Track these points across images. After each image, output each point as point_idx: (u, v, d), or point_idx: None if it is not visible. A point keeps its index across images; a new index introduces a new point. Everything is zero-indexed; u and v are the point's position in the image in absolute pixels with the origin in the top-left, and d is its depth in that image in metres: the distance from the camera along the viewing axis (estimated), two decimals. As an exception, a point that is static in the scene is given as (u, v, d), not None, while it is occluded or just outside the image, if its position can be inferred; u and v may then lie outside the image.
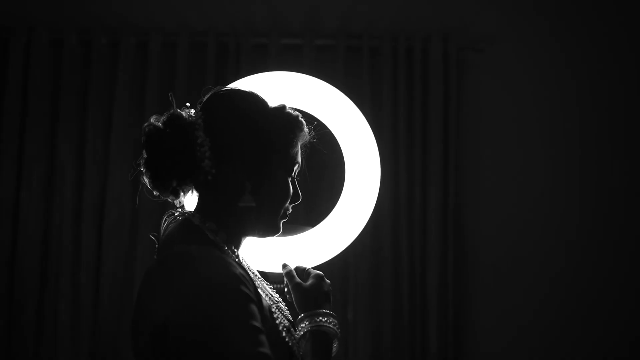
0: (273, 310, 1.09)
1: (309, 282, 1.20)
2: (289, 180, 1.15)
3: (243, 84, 1.53)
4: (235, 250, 1.13)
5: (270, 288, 1.20)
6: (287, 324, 1.11)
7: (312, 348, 1.09)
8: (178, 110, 1.09)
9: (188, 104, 1.11)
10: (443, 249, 2.48)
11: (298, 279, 1.21)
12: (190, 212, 1.11)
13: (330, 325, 1.13)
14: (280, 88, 1.55)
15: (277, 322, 1.07)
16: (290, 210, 1.17)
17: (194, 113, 1.09)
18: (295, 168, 1.16)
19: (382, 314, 2.46)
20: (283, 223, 1.17)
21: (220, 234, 1.09)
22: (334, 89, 1.58)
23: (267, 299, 1.11)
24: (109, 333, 2.42)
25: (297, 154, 1.15)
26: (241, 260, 1.14)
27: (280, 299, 1.19)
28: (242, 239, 1.15)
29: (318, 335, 1.11)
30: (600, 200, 2.61)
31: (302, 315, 1.15)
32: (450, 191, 2.49)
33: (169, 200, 1.11)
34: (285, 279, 1.23)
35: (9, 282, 2.44)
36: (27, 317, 2.42)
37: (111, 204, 2.46)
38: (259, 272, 1.26)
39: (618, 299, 2.57)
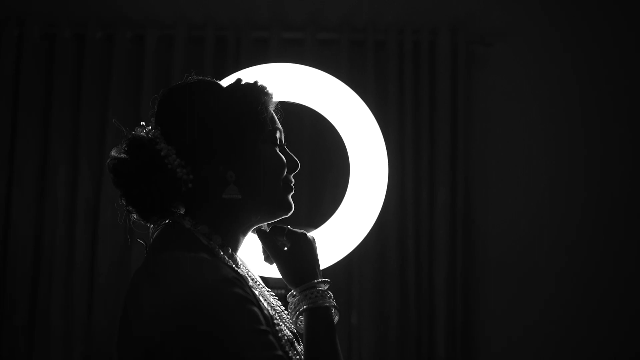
0: (276, 321, 1.01)
1: (293, 246, 1.09)
2: (277, 149, 1.07)
3: (243, 75, 1.45)
4: (234, 253, 1.06)
5: (272, 296, 1.11)
6: (290, 337, 1.03)
7: (316, 329, 1.02)
8: (133, 132, 1.03)
9: (142, 123, 1.05)
10: (451, 250, 2.42)
11: (279, 245, 1.11)
12: (181, 214, 1.04)
13: (327, 298, 1.05)
14: (281, 81, 1.48)
15: (280, 335, 0.99)
16: (293, 181, 1.08)
17: (151, 126, 1.03)
18: (278, 135, 1.07)
19: (387, 318, 2.41)
20: (292, 198, 1.08)
21: (214, 237, 1.02)
22: (338, 82, 1.50)
23: (268, 308, 1.03)
24: (103, 336, 2.37)
25: (272, 120, 1.07)
26: (239, 264, 1.06)
27: (283, 308, 1.10)
28: (241, 238, 1.08)
29: (318, 311, 1.03)
30: (615, 199, 2.55)
31: (295, 291, 1.06)
32: (459, 190, 2.44)
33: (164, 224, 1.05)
34: (262, 245, 1.12)
35: (-1, 284, 2.40)
36: (19, 319, 2.37)
37: (106, 202, 2.40)
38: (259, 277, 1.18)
39: (624, 299, 2.53)
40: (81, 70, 2.45)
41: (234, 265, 1.02)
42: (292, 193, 1.08)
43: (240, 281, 0.94)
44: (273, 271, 1.23)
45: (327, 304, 1.04)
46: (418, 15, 2.54)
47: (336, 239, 1.46)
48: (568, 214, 2.55)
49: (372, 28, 2.47)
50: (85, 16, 2.47)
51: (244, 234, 1.08)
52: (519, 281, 2.52)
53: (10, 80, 2.43)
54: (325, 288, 1.07)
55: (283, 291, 1.32)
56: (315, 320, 1.02)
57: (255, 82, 1.07)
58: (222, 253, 1.01)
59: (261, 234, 1.11)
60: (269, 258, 1.13)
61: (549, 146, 2.57)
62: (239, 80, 1.07)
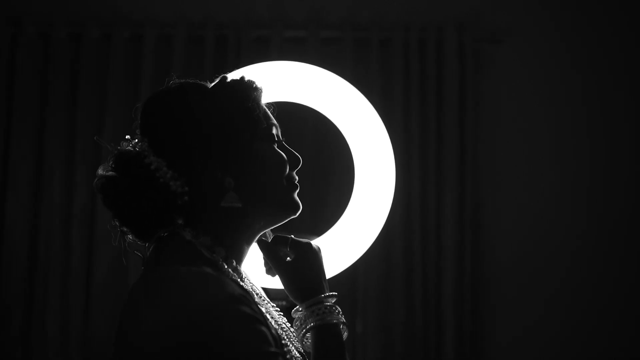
0: (284, 341, 0.94)
1: (297, 257, 1.03)
2: (275, 146, 1.01)
3: (243, 73, 1.40)
4: (238, 266, 0.99)
5: (277, 311, 1.05)
6: (299, 358, 0.97)
7: (325, 347, 0.97)
8: (118, 147, 0.97)
9: (127, 137, 0.99)
10: (459, 255, 2.37)
11: (281, 256, 1.04)
12: (181, 224, 0.97)
13: (336, 313, 0.99)
14: (282, 80, 1.42)
15: (288, 357, 0.93)
16: (297, 178, 1.02)
17: (137, 139, 0.97)
18: (275, 132, 1.01)
19: (393, 326, 2.36)
20: (299, 196, 1.02)
21: (217, 249, 0.96)
22: (342, 81, 1.44)
23: (276, 326, 0.97)
24: (100, 344, 2.33)
25: (266, 116, 1.01)
26: (243, 278, 1.00)
27: (289, 325, 1.04)
28: (246, 248, 1.01)
29: (327, 329, 0.98)
30: (623, 201, 2.51)
31: (300, 307, 1.01)
32: (467, 193, 2.39)
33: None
34: (263, 256, 1.06)
35: (-7, 292, 2.37)
36: (14, 328, 2.34)
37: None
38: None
39: (631, 299, 2.49)
40: (78, 71, 2.41)
41: (239, 280, 0.96)
42: (297, 191, 1.02)
43: (247, 298, 0.88)
44: (274, 282, 1.17)
45: (336, 321, 0.98)
46: (424, 12, 2.50)
47: (341, 246, 1.40)
48: (579, 215, 2.50)
49: (376, 26, 2.43)
50: (82, 15, 2.43)
51: (249, 243, 1.01)
52: (532, 288, 2.47)
53: (5, 81, 2.40)
54: (333, 302, 1.01)
55: (284, 302, 1.25)
56: (324, 339, 0.97)
57: (242, 78, 1.01)
58: (226, 266, 0.95)
59: (263, 244, 1.05)
60: (271, 270, 1.06)
61: (560, 147, 2.52)
62: (224, 78, 1.01)
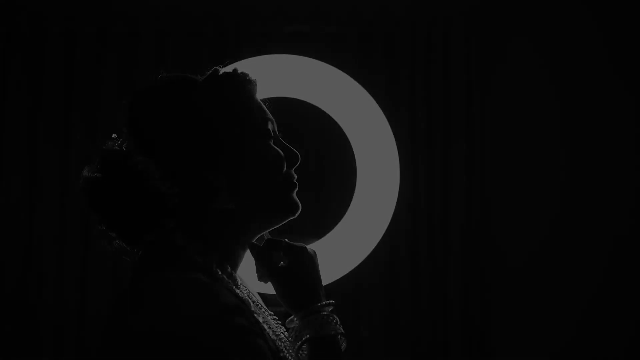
0: (282, 354, 0.89)
1: (292, 263, 0.98)
2: (271, 143, 0.96)
3: (238, 66, 1.35)
4: (233, 272, 0.94)
5: (274, 320, 1.00)
6: None
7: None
8: (104, 147, 0.93)
9: (114, 135, 0.95)
10: (467, 257, 2.35)
11: (274, 261, 0.98)
12: (171, 228, 0.92)
13: (334, 323, 0.94)
14: (282, 75, 1.36)
15: None
16: (296, 176, 0.98)
17: (124, 138, 0.93)
18: (270, 127, 0.96)
19: (398, 330, 2.34)
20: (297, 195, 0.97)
21: (211, 254, 0.91)
22: (345, 76, 1.38)
23: (274, 337, 0.92)
24: (95, 346, 2.31)
25: (261, 110, 0.96)
26: (239, 284, 0.95)
27: (287, 334, 0.98)
28: (242, 253, 0.96)
29: (324, 341, 0.93)
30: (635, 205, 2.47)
31: (295, 317, 0.96)
32: (475, 192, 2.37)
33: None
34: (255, 262, 1.00)
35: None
36: (8, 335, 2.32)
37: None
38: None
39: None
40: (72, 68, 2.38)
41: (234, 287, 0.91)
42: (296, 190, 0.97)
43: (242, 309, 0.84)
44: (273, 288, 1.11)
45: (334, 332, 0.93)
46: (429, 6, 2.46)
47: (344, 248, 1.34)
48: (587, 214, 2.47)
49: (381, 20, 2.41)
50: (76, 10, 2.40)
51: (245, 247, 0.97)
52: (542, 291, 2.43)
53: (-1, 79, 2.39)
54: (329, 311, 0.95)
55: (282, 309, 1.19)
56: (321, 351, 0.92)
57: (235, 70, 0.96)
58: (220, 273, 0.90)
59: (254, 249, 0.99)
60: (263, 277, 1.00)
61: (568, 144, 2.48)
62: (215, 70, 0.96)
